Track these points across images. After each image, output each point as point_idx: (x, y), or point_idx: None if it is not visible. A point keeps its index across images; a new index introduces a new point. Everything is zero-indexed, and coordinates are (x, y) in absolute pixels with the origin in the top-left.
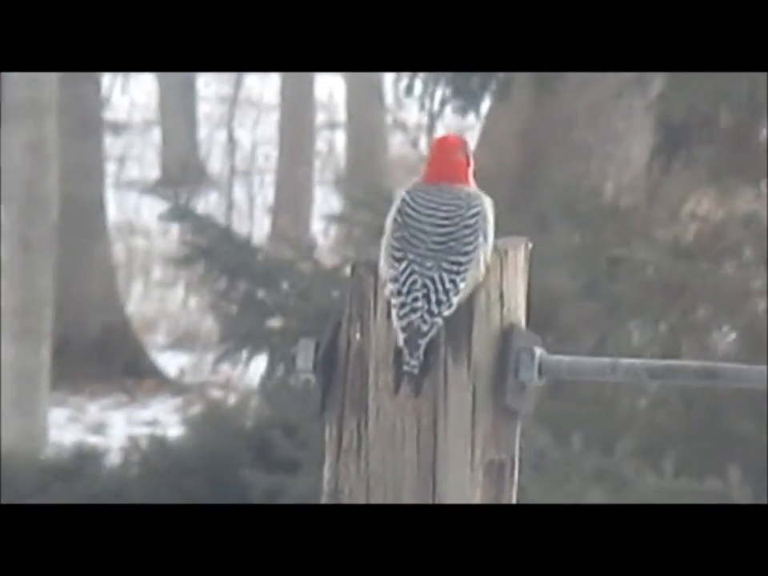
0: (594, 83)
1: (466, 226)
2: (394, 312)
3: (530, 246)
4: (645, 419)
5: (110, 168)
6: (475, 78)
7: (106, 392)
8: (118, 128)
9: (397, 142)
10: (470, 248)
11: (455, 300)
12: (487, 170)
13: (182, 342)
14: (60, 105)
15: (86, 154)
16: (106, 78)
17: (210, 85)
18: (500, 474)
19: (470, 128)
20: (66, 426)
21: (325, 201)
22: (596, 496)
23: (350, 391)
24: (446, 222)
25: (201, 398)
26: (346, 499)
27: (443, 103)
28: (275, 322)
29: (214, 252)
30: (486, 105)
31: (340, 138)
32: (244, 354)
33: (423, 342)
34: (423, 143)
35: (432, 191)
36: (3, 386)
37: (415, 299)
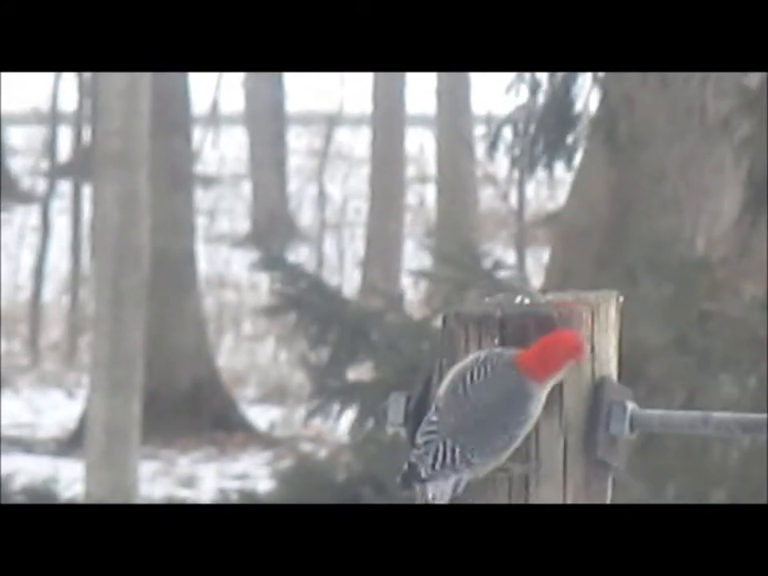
0: (681, 138)
1: (512, 428)
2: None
3: (621, 299)
4: (737, 471)
5: (201, 222)
6: (567, 132)
7: (196, 445)
8: (208, 181)
9: (487, 196)
10: (497, 441)
11: (466, 472)
12: (578, 223)
13: (271, 395)
14: (151, 158)
15: (176, 208)
16: (197, 132)
17: (300, 137)
18: None
19: (561, 182)
20: (156, 480)
21: (415, 254)
22: None
23: None
24: (490, 412)
25: (291, 452)
26: None
27: (533, 161)
28: (365, 375)
29: (304, 302)
30: (576, 158)
31: (430, 192)
32: (335, 407)
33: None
34: (513, 196)
35: (504, 377)
36: (93, 439)
37: (426, 452)
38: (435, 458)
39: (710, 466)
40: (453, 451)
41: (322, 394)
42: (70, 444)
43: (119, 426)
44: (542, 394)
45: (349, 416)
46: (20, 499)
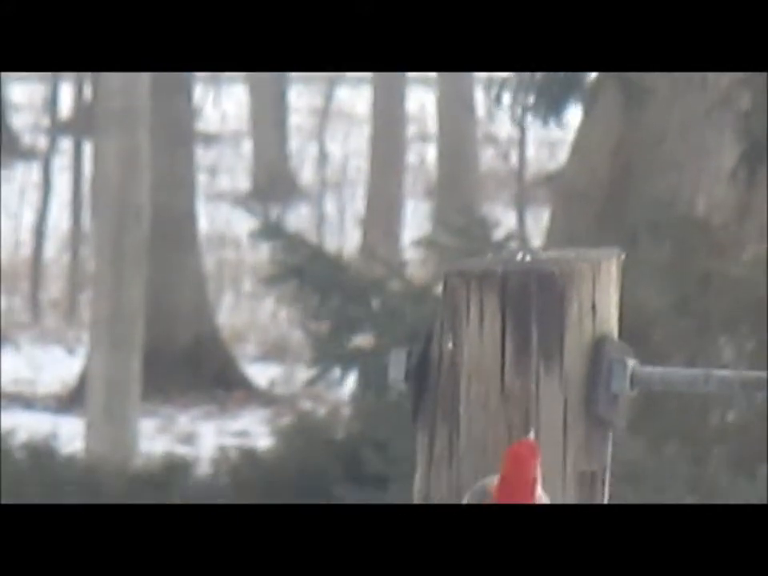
0: (682, 99)
1: None
2: None
3: (622, 257)
4: (738, 430)
5: (201, 179)
6: (558, 85)
7: (195, 402)
8: (209, 139)
9: (487, 156)
10: None
11: None
12: (578, 183)
13: (272, 353)
14: (152, 116)
15: (177, 165)
16: (198, 90)
17: (301, 96)
18: (592, 485)
19: (560, 141)
20: (155, 436)
21: (415, 214)
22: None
23: (441, 401)
24: None
25: (291, 410)
26: None
27: (525, 111)
28: (366, 341)
29: (304, 271)
30: (571, 113)
31: (431, 151)
32: (336, 373)
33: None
34: (514, 157)
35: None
36: (94, 396)
37: None
38: None
39: (710, 426)
40: None
41: (322, 361)
42: (71, 400)
43: (119, 383)
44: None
45: (350, 381)
46: (20, 455)
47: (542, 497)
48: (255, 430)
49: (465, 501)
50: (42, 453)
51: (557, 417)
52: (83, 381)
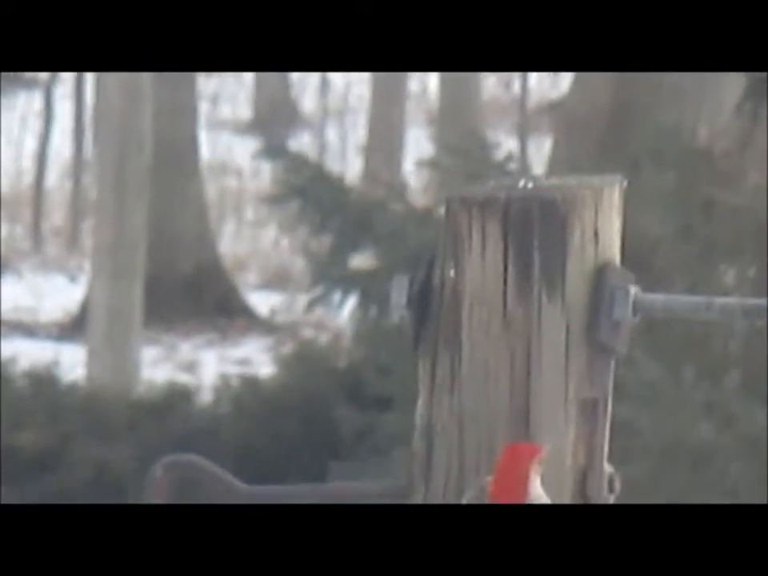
0: None
1: None
2: None
3: (625, 183)
4: (750, 354)
5: (203, 108)
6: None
7: (197, 330)
8: None
9: (490, 84)
10: None
11: None
12: (580, 112)
13: (273, 281)
14: None
15: (179, 93)
16: None
17: None
18: (594, 411)
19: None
20: (157, 364)
21: (417, 142)
22: (706, 429)
23: (443, 328)
24: None
25: (292, 338)
26: (438, 435)
27: None
28: (367, 263)
29: (307, 191)
30: None
31: (433, 79)
32: (337, 296)
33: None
34: (516, 85)
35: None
36: (95, 324)
37: None
38: None
39: (713, 354)
40: None
41: (323, 283)
42: (72, 328)
43: (121, 311)
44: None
45: (350, 304)
46: (22, 383)
47: (542, 496)
48: (257, 358)
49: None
50: (43, 381)
51: (559, 344)
52: (85, 309)
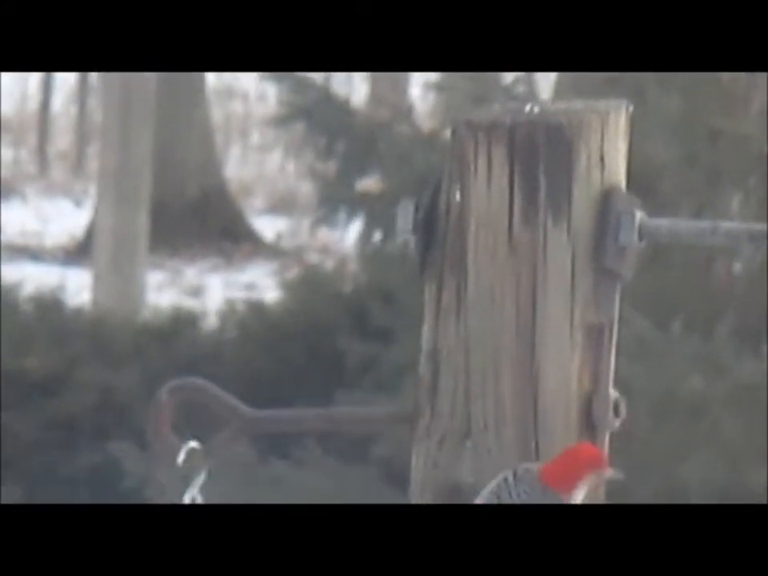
0: None
1: None
2: None
3: (631, 108)
4: (743, 300)
5: None
6: None
7: (203, 255)
8: None
9: None
10: None
11: None
12: None
13: (279, 206)
14: None
15: None
16: None
17: None
18: (599, 337)
19: None
20: (162, 289)
21: None
22: (696, 381)
23: (449, 253)
24: None
25: (298, 263)
26: (444, 360)
27: None
28: (373, 185)
29: (312, 113)
30: None
31: None
32: (342, 216)
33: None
34: None
35: (539, 494)
36: (101, 249)
37: None
38: None
39: (715, 290)
40: None
41: (328, 204)
42: (78, 253)
43: (126, 235)
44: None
45: (356, 227)
46: (27, 308)
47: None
48: (262, 283)
49: (507, 472)
50: (49, 305)
51: (564, 268)
52: (90, 233)
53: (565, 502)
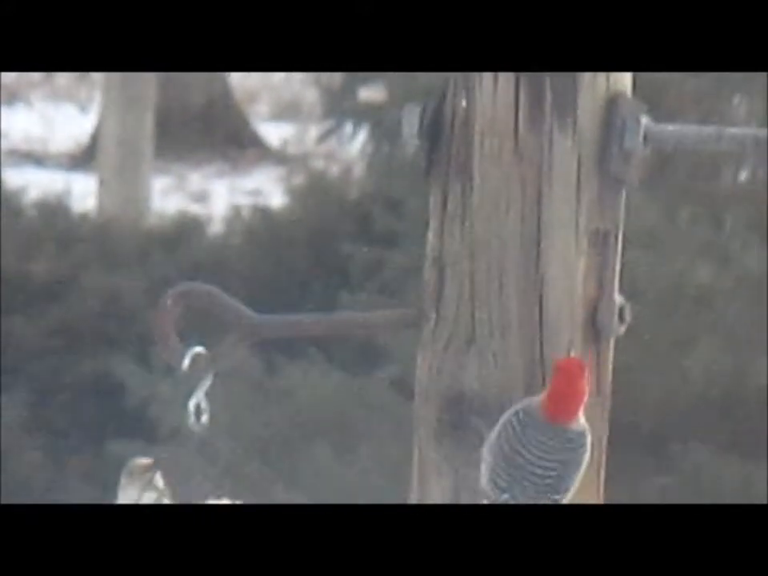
0: None
1: (574, 469)
2: None
3: None
4: (751, 192)
5: None
6: None
7: (208, 160)
8: None
9: None
10: (570, 485)
11: None
12: None
13: (285, 112)
14: None
15: None
16: None
17: None
18: (605, 243)
19: None
20: (168, 194)
21: None
22: (703, 272)
23: (454, 158)
24: (556, 466)
25: (303, 169)
26: (449, 266)
27: None
28: (379, 94)
29: None
30: None
31: None
32: (348, 128)
33: None
34: None
35: (548, 433)
36: (106, 154)
37: None
38: None
39: (722, 188)
40: None
41: (334, 115)
42: (83, 158)
43: (132, 141)
44: (579, 428)
45: (362, 136)
46: (32, 213)
47: (584, 425)
48: (268, 189)
49: (509, 416)
50: (54, 211)
51: (570, 174)
52: (95, 139)
53: (573, 428)
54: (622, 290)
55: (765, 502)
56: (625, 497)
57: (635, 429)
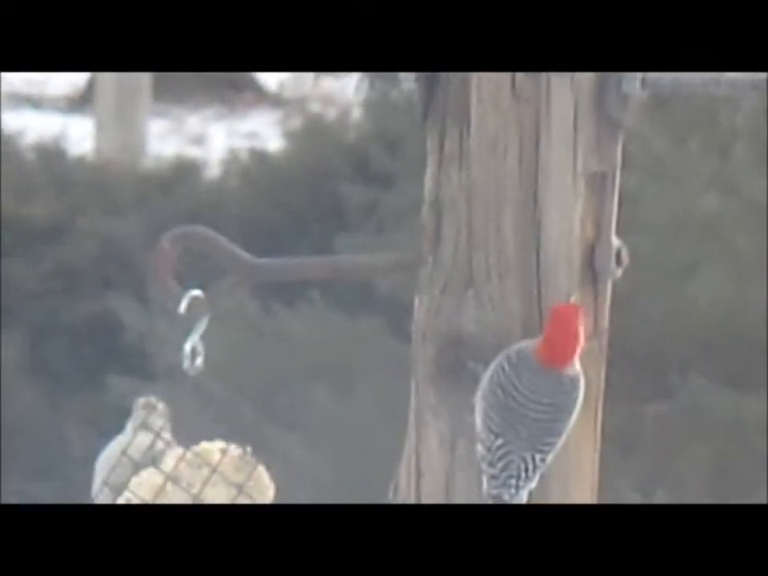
0: None
1: (567, 413)
2: (484, 480)
3: None
4: (753, 132)
5: None
6: None
7: (206, 104)
8: None
9: None
10: (563, 429)
11: (538, 474)
12: None
13: None
14: None
15: None
16: None
17: None
18: (602, 185)
19: None
20: (165, 137)
21: None
22: (710, 199)
23: (452, 101)
24: (549, 410)
25: (301, 112)
26: (446, 210)
27: None
28: None
29: None
30: None
31: None
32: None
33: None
34: None
35: (542, 377)
36: (103, 97)
37: (509, 476)
38: (518, 479)
39: (720, 127)
40: (533, 464)
41: None
42: (81, 102)
43: (129, 84)
44: (573, 374)
45: (358, 77)
46: (30, 156)
47: (578, 370)
48: (265, 132)
49: (501, 360)
50: (51, 154)
51: (567, 117)
52: (93, 82)
53: (566, 373)
54: (627, 220)
55: (757, 434)
56: (623, 421)
57: (634, 356)
